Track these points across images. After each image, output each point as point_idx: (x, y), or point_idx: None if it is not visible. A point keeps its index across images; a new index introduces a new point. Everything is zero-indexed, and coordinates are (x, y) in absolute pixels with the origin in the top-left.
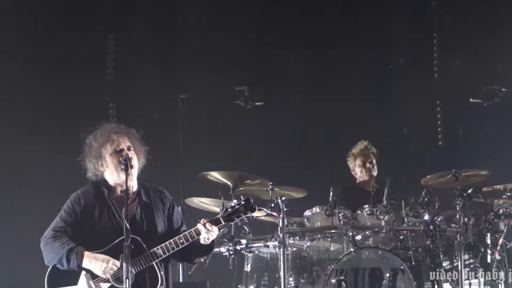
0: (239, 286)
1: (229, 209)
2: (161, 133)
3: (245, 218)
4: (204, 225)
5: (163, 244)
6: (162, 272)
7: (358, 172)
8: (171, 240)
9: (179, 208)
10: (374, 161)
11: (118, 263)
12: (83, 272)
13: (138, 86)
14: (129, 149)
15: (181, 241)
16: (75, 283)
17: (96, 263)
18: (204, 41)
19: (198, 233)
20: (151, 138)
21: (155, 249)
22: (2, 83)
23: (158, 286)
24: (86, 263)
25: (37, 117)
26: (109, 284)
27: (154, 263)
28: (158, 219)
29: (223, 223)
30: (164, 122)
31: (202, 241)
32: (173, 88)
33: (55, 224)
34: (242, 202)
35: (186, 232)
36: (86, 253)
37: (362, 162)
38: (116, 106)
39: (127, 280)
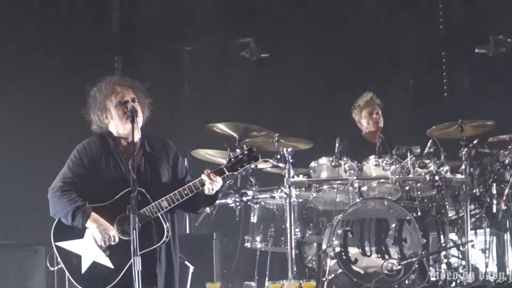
0: (245, 237)
1: (232, 159)
2: (167, 86)
3: (250, 169)
4: (208, 175)
5: (167, 196)
6: (168, 224)
7: (365, 123)
8: (176, 192)
9: (185, 159)
10: (380, 112)
11: (117, 238)
12: None
13: (143, 39)
14: (133, 100)
15: (185, 192)
16: (81, 236)
17: (98, 227)
18: None
19: (203, 184)
20: (157, 91)
21: (160, 200)
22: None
23: (164, 237)
24: (89, 224)
25: (44, 70)
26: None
27: (159, 214)
28: (162, 170)
29: (227, 173)
30: (170, 74)
31: (206, 192)
32: (178, 40)
33: (63, 175)
34: (245, 152)
35: (191, 183)
36: (93, 214)
37: (368, 113)
38: (122, 59)
39: (134, 231)
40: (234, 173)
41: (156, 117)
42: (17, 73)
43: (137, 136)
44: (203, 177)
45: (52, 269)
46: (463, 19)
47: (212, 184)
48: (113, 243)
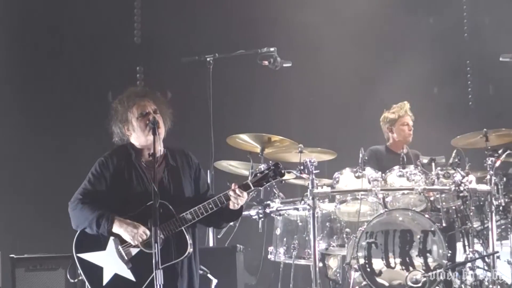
0: (269, 249)
1: (258, 174)
2: (190, 96)
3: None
4: (234, 190)
5: (192, 209)
6: (190, 237)
7: (397, 134)
8: (200, 205)
9: (208, 171)
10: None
11: (148, 231)
12: (112, 237)
13: (166, 49)
14: (155, 112)
15: (210, 206)
16: (104, 248)
17: (126, 228)
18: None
19: (228, 198)
20: (179, 101)
21: (184, 214)
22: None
23: (187, 251)
24: (116, 229)
25: (65, 81)
26: (138, 249)
27: (182, 228)
28: (185, 183)
29: (252, 188)
30: (192, 84)
31: (231, 206)
32: (201, 50)
33: (83, 189)
34: (272, 167)
35: (216, 197)
36: (117, 218)
37: (405, 124)
38: (144, 70)
39: (156, 244)
40: (260, 188)
41: (179, 128)
42: (40, 84)
43: (160, 148)
44: (229, 192)
45: (72, 281)
46: (487, 27)
47: (237, 199)
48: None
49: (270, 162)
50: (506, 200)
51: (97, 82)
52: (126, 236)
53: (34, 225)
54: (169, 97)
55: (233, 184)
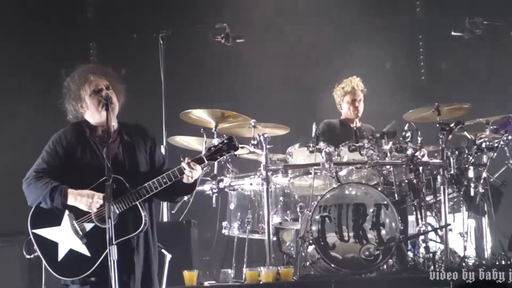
0: (223, 224)
1: (212, 148)
2: (143, 72)
3: (228, 157)
4: (188, 164)
5: (146, 184)
6: (145, 212)
7: (345, 109)
8: (155, 180)
9: (162, 147)
10: (362, 99)
11: (102, 198)
12: (66, 212)
13: (119, 24)
14: (107, 88)
15: (164, 180)
16: (59, 224)
17: (81, 199)
18: None
19: (181, 172)
20: (132, 77)
21: (138, 188)
22: None
23: (142, 226)
24: (71, 200)
25: (20, 59)
26: (92, 224)
27: (137, 202)
28: (140, 158)
29: (206, 162)
30: (145, 60)
31: (185, 180)
32: (153, 25)
33: (37, 166)
34: (225, 141)
35: (169, 171)
36: (70, 190)
37: (351, 100)
38: (97, 46)
39: (110, 220)
40: (213, 161)
41: (132, 104)
42: None
43: (114, 124)
44: (183, 165)
45: (28, 257)
46: (439, 2)
47: (191, 173)
48: (101, 202)
49: (224, 135)
50: (458, 173)
51: (49, 58)
52: (82, 206)
53: None
54: (123, 73)
55: (186, 158)
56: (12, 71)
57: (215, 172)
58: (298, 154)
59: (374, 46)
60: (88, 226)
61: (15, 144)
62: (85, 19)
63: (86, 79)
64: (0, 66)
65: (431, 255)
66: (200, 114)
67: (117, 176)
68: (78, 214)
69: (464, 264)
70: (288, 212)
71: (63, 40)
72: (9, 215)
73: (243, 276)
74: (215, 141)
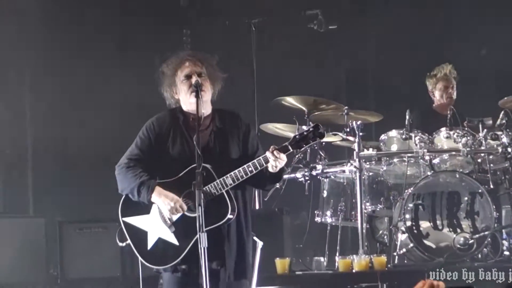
0: (315, 211)
1: (297, 136)
2: (236, 59)
3: (319, 144)
4: (272, 152)
5: (232, 173)
6: (233, 202)
7: (438, 96)
8: (240, 168)
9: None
10: (455, 86)
11: (185, 207)
12: None
13: (212, 11)
14: (199, 75)
15: (250, 169)
16: (148, 212)
17: (164, 200)
18: None
19: (267, 161)
20: (225, 64)
21: (224, 177)
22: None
23: (228, 214)
24: (155, 198)
25: (111, 48)
26: (180, 214)
27: (223, 191)
28: (232, 145)
29: (291, 150)
30: (237, 47)
31: (270, 169)
32: (246, 12)
33: (130, 152)
34: (311, 129)
35: (255, 160)
36: (158, 188)
37: (444, 87)
38: (191, 33)
39: (200, 207)
40: (299, 150)
41: (224, 91)
42: (88, 48)
43: (205, 111)
44: (267, 154)
45: (121, 244)
46: None
47: (276, 161)
48: (181, 213)
49: (311, 123)
50: None
51: (143, 46)
52: (163, 207)
53: (81, 191)
54: (217, 61)
55: (271, 147)
56: (105, 63)
57: (308, 159)
58: (392, 141)
59: (469, 32)
60: (175, 216)
61: (108, 132)
62: (177, 6)
63: (180, 64)
64: (95, 58)
65: None
66: (292, 101)
67: (205, 164)
68: None
69: None
70: (381, 200)
71: (156, 28)
72: (105, 201)
73: (336, 264)
74: (302, 128)
